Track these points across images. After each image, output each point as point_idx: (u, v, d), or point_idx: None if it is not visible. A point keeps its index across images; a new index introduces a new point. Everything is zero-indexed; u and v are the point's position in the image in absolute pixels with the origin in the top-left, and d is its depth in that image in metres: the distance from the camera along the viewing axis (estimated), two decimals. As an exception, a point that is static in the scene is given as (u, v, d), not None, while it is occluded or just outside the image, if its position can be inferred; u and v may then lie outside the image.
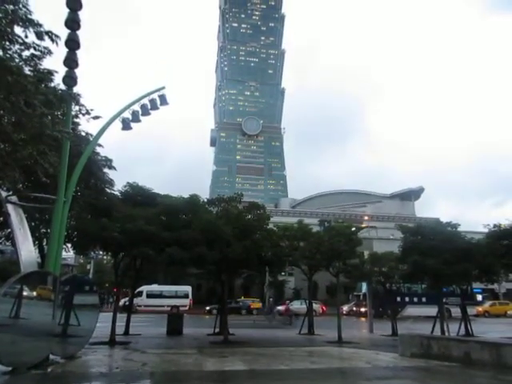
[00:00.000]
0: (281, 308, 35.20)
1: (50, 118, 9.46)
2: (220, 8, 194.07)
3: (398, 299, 22.73)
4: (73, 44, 11.28)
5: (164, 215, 15.68)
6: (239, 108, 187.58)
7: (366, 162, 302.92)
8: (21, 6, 8.18)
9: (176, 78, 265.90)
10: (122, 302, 29.21)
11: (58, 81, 10.71)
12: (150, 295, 37.81)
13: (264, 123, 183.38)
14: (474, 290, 30.26)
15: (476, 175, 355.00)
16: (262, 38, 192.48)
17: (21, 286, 9.77)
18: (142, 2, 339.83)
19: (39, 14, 8.63)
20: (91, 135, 13.84)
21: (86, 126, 14.43)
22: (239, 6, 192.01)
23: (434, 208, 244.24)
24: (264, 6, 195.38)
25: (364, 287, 31.34)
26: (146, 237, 13.95)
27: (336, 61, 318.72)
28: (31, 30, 8.37)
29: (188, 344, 15.40)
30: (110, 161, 15.37)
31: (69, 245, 15.24)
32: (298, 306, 33.00)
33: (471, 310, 27.63)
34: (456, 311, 23.51)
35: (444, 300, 19.82)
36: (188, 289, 39.20)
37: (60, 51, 9.99)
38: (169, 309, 35.32)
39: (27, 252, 10.96)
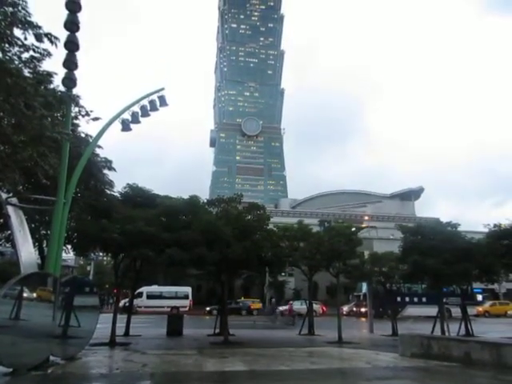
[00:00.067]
0: (284, 308, 35.17)
1: (49, 119, 9.49)
2: (219, 9, 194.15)
3: (398, 299, 22.73)
4: (72, 46, 11.30)
5: (164, 216, 15.68)
6: (239, 109, 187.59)
7: (366, 161, 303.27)
8: (20, 8, 8.20)
9: (175, 78, 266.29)
10: (122, 303, 29.19)
11: (57, 82, 10.79)
12: (150, 296, 37.83)
13: (264, 124, 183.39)
14: (474, 290, 30.31)
15: (476, 175, 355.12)
16: (261, 38, 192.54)
17: (21, 287, 9.76)
18: (141, 1, 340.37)
19: (38, 16, 8.66)
20: (91, 137, 13.86)
21: (86, 127, 14.47)
22: (238, 6, 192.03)
23: (433, 208, 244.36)
24: (263, 7, 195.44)
25: (364, 287, 31.34)
26: (146, 238, 13.95)
27: (335, 60, 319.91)
28: (30, 32, 8.40)
29: (188, 345, 15.40)
30: (110, 162, 15.38)
31: (69, 246, 15.23)
32: (299, 306, 32.96)
33: (471, 310, 27.59)
34: (456, 311, 23.51)
35: (444, 300, 19.82)
36: (188, 290, 39.22)
37: (59, 53, 10.02)
38: (169, 310, 35.32)
39: (27, 253, 10.97)
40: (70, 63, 11.25)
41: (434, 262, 16.92)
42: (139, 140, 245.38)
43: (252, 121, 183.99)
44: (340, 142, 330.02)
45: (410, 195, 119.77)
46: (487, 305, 41.86)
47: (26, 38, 8.39)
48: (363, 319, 32.47)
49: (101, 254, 26.44)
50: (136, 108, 13.74)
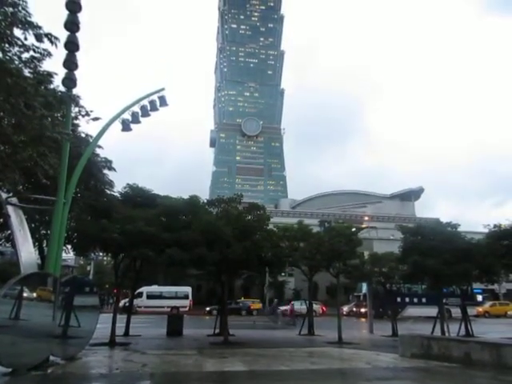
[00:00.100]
0: (284, 308, 35.15)
1: (49, 119, 9.49)
2: (219, 9, 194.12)
3: (398, 300, 22.68)
4: (72, 46, 11.31)
5: (164, 216, 15.69)
6: (239, 109, 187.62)
7: (366, 161, 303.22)
8: (20, 8, 8.20)
9: (175, 78, 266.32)
10: (122, 303, 29.20)
11: (57, 82, 10.77)
12: (150, 296, 37.82)
13: (264, 124, 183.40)
14: (474, 291, 30.28)
15: (476, 175, 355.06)
16: (261, 38, 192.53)
17: (21, 287, 9.78)
18: (142, 1, 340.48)
19: (38, 17, 8.66)
20: (91, 137, 13.88)
21: (86, 127, 14.51)
22: (238, 7, 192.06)
23: (433, 208, 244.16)
24: (263, 7, 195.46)
25: (364, 288, 31.33)
26: (146, 238, 13.95)
27: (335, 60, 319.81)
28: (30, 32, 8.40)
29: (188, 345, 15.40)
30: (110, 162, 15.40)
31: (69, 246, 15.25)
32: (299, 306, 32.95)
33: (471, 311, 27.60)
34: (456, 312, 23.49)
35: (444, 300, 19.82)
36: (188, 290, 39.20)
37: (59, 53, 10.02)
38: (169, 310, 35.30)
39: (27, 253, 10.98)
40: (70, 63, 11.27)
41: (434, 262, 16.93)
42: (139, 140, 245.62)
43: (252, 121, 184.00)
44: (340, 142, 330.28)
45: (410, 195, 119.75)
46: (487, 305, 41.84)
47: (26, 38, 8.40)
48: (363, 319, 32.45)
49: (101, 253, 26.43)
50: (136, 108, 13.75)
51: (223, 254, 14.92)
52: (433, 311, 20.36)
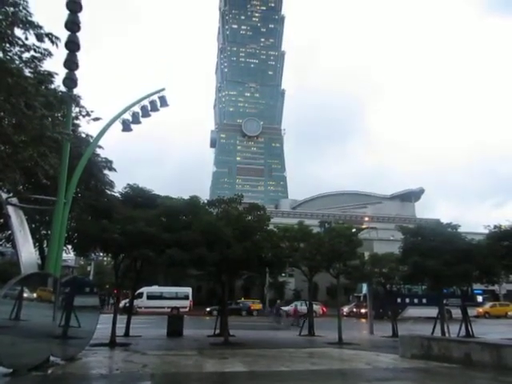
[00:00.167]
0: (287, 309, 35.10)
1: (50, 119, 9.49)
2: (220, 9, 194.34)
3: (399, 300, 22.74)
4: (73, 46, 11.31)
5: (164, 217, 15.69)
6: (239, 109, 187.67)
7: (366, 162, 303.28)
8: (21, 8, 8.20)
9: (176, 79, 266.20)
10: (122, 304, 29.24)
11: (58, 82, 10.76)
12: (150, 297, 37.80)
13: (264, 124, 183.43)
14: (475, 291, 30.22)
15: (476, 176, 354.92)
16: (262, 39, 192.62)
17: (21, 287, 9.77)
18: (142, 1, 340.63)
19: (39, 16, 8.66)
20: (91, 137, 13.87)
21: (87, 127, 14.53)
22: (239, 7, 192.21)
23: (434, 209, 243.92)
24: (264, 8, 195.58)
25: (364, 288, 31.32)
26: (147, 238, 13.95)
27: (336, 61, 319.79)
28: (31, 32, 8.40)
29: (188, 345, 15.40)
30: (111, 162, 15.39)
31: (69, 246, 15.27)
32: (299, 307, 32.92)
33: (471, 311, 27.59)
34: (456, 312, 23.49)
35: (444, 301, 19.83)
36: (188, 290, 39.18)
37: (60, 53, 10.02)
38: (169, 310, 35.28)
39: (28, 254, 10.98)
40: (71, 63, 11.27)
41: (435, 263, 16.92)
42: (140, 140, 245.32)
43: (252, 121, 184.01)
44: (340, 142, 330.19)
45: (411, 196, 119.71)
46: (487, 306, 41.84)
47: (26, 38, 8.40)
48: (363, 320, 32.46)
49: (101, 254, 26.38)
50: (137, 108, 13.76)
51: (223, 254, 14.92)
52: (433, 312, 20.36)
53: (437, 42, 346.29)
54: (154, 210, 15.57)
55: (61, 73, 10.70)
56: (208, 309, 37.49)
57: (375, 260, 21.59)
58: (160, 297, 38.38)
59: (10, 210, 10.69)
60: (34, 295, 10.64)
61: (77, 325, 11.48)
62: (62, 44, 9.75)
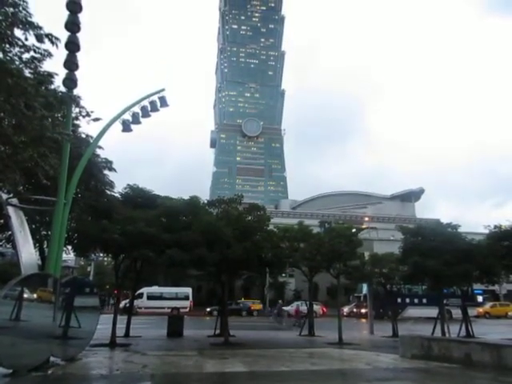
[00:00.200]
0: (289, 309, 35.08)
1: (50, 120, 9.51)
2: (220, 10, 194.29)
3: (399, 300, 22.70)
4: (73, 46, 11.31)
5: (164, 217, 15.69)
6: (239, 109, 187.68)
7: (366, 162, 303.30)
8: (21, 8, 8.21)
9: (176, 79, 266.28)
10: (122, 304, 29.21)
11: (58, 83, 10.80)
12: (150, 297, 37.81)
13: (264, 124, 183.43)
14: (475, 291, 30.20)
15: (476, 176, 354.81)
16: (262, 39, 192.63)
17: (21, 288, 9.78)
18: (142, 1, 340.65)
19: (39, 17, 8.66)
20: (91, 137, 13.88)
21: (86, 128, 14.58)
22: (239, 7, 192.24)
23: (434, 209, 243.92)
24: (264, 8, 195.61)
25: (364, 288, 31.32)
26: (147, 239, 13.95)
27: (336, 61, 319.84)
28: (31, 32, 8.41)
29: (188, 346, 15.40)
30: (111, 163, 15.40)
31: (69, 247, 15.26)
32: (300, 307, 32.90)
33: (472, 312, 27.58)
34: (457, 312, 23.50)
35: (444, 301, 19.81)
36: (188, 290, 39.18)
37: (60, 53, 10.03)
38: (169, 310, 35.27)
39: (28, 254, 10.98)
40: (71, 64, 11.27)
41: (435, 263, 16.91)
42: (140, 141, 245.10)
43: (252, 122, 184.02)
44: (340, 142, 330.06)
45: (411, 196, 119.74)
46: (488, 306, 41.81)
47: (26, 39, 8.41)
48: (363, 320, 32.46)
49: (101, 254, 26.40)
50: (137, 109, 13.76)
51: (223, 254, 14.92)
52: (433, 312, 20.35)
53: (437, 42, 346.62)
54: (154, 210, 15.57)
55: (61, 73, 10.73)
56: (208, 309, 37.50)
57: (375, 260, 21.58)
58: (160, 297, 38.38)
59: (11, 210, 10.69)
60: (35, 296, 10.64)
61: (77, 325, 11.48)
62: (61, 45, 9.76)
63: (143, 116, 13.86)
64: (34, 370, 9.35)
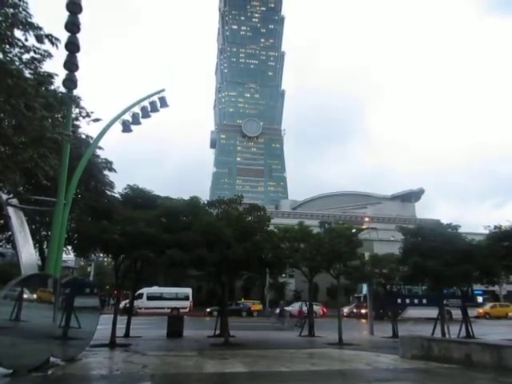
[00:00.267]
0: (291, 309, 35.06)
1: (50, 120, 9.52)
2: (219, 10, 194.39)
3: (399, 301, 22.66)
4: (73, 47, 11.31)
5: (164, 217, 15.69)
6: (239, 110, 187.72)
7: (366, 162, 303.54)
8: (21, 9, 8.22)
9: (176, 80, 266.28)
10: (122, 304, 29.22)
11: (58, 83, 10.82)
12: (150, 297, 37.79)
13: (264, 125, 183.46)
14: (475, 292, 30.18)
15: (476, 176, 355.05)
16: (262, 40, 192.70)
17: (21, 288, 9.78)
18: (142, 2, 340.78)
19: (39, 18, 8.67)
20: (91, 138, 13.89)
21: (86, 128, 14.62)
22: (239, 8, 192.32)
23: (434, 209, 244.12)
24: (263, 9, 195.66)
25: (364, 289, 31.29)
26: (147, 239, 13.96)
27: (336, 61, 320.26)
28: (31, 33, 8.42)
29: (188, 346, 15.39)
30: (110, 163, 15.41)
31: (69, 247, 15.27)
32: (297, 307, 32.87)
33: (472, 312, 27.57)
34: (457, 313, 23.45)
35: (445, 302, 19.79)
36: (188, 291, 39.17)
37: (60, 54, 10.04)
38: (169, 311, 35.26)
39: (28, 255, 10.98)
40: (71, 64, 11.27)
41: (435, 263, 16.91)
42: (140, 141, 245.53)
43: (252, 122, 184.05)
44: (340, 142, 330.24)
45: (411, 197, 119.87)
46: (488, 306, 41.79)
47: (26, 39, 8.42)
48: (363, 321, 32.44)
49: (101, 255, 26.42)
50: (136, 109, 13.77)
51: (223, 254, 14.92)
52: (433, 312, 20.32)
53: (437, 42, 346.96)
54: (154, 210, 15.57)
55: (61, 74, 10.74)
56: (208, 309, 37.45)
57: (375, 260, 21.58)
58: (160, 297, 38.36)
59: (11, 211, 10.70)
60: (34, 296, 10.64)
61: (77, 326, 11.48)
62: (61, 45, 9.76)
63: (143, 116, 13.86)
64: (34, 370, 9.36)
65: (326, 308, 39.16)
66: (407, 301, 23.13)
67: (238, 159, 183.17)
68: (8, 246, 16.63)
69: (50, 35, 8.72)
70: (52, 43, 8.77)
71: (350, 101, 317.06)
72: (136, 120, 13.74)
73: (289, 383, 9.34)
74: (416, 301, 22.94)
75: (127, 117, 13.62)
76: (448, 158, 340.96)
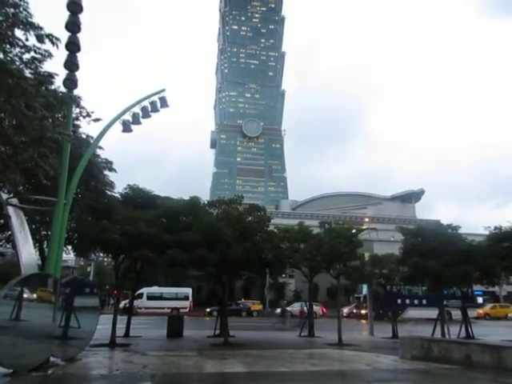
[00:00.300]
0: (293, 309, 35.05)
1: (50, 120, 9.51)
2: (220, 10, 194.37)
3: (399, 301, 22.67)
4: (73, 47, 11.32)
5: (164, 217, 15.69)
6: (239, 110, 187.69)
7: (367, 162, 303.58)
8: (21, 9, 8.22)
9: (176, 79, 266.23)
10: (122, 304, 29.22)
11: (58, 83, 10.79)
12: (150, 297, 37.79)
13: (264, 125, 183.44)
14: (475, 293, 30.20)
15: (476, 176, 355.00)
16: (262, 40, 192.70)
17: (21, 288, 9.78)
18: (142, 2, 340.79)
19: (40, 17, 8.67)
20: (92, 137, 13.88)
21: (87, 128, 14.64)
22: (239, 8, 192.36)
23: (434, 210, 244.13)
24: (264, 9, 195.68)
25: (364, 289, 31.27)
26: (147, 239, 13.96)
27: (336, 61, 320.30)
28: (32, 32, 8.42)
29: (188, 346, 15.39)
30: (111, 163, 15.40)
31: (69, 247, 15.26)
32: (299, 307, 32.86)
33: (472, 313, 27.52)
34: (457, 313, 23.45)
35: (444, 302, 19.80)
36: (188, 291, 39.18)
37: (60, 54, 10.04)
38: (169, 311, 35.26)
39: (28, 254, 10.98)
40: (71, 64, 11.28)
41: (435, 264, 16.91)
42: (140, 141, 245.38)
43: (253, 122, 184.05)
44: (340, 143, 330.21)
45: (411, 197, 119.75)
46: (488, 307, 41.82)
47: (27, 39, 8.42)
48: (363, 321, 32.44)
49: (101, 254, 26.40)
50: (137, 109, 13.77)
51: (223, 255, 14.92)
52: (433, 313, 20.32)
53: (437, 42, 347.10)
54: (154, 210, 15.58)
55: (61, 74, 10.73)
56: (208, 309, 37.45)
57: (375, 261, 21.58)
58: (160, 297, 38.36)
59: (11, 210, 10.70)
60: (34, 296, 10.64)
61: (77, 325, 11.48)
62: (62, 45, 9.76)
63: (143, 116, 13.86)
64: (34, 370, 9.36)
65: (325, 308, 39.12)
66: (407, 301, 23.13)
67: (238, 159, 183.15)
68: (8, 246, 16.62)
69: (51, 35, 8.72)
70: (52, 43, 8.77)
71: (350, 101, 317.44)
72: (136, 120, 13.74)
73: (289, 383, 9.33)
74: (416, 301, 22.95)
75: (127, 117, 13.63)
76: (448, 159, 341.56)
